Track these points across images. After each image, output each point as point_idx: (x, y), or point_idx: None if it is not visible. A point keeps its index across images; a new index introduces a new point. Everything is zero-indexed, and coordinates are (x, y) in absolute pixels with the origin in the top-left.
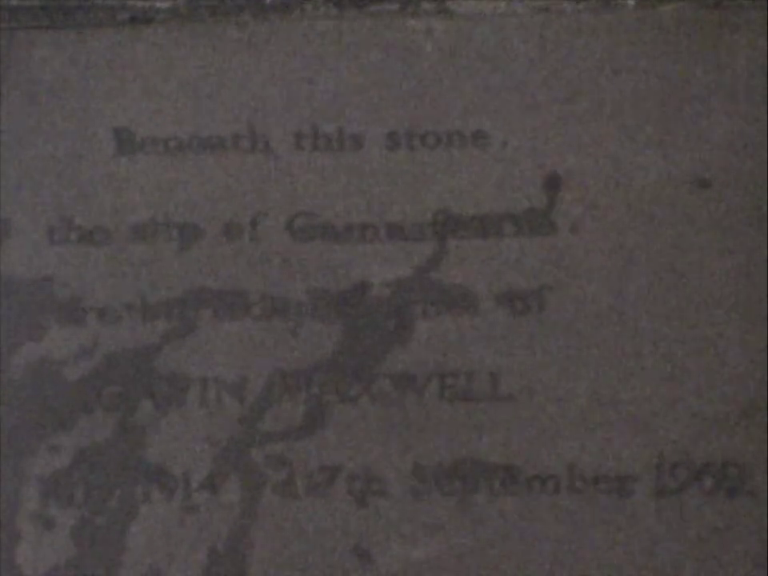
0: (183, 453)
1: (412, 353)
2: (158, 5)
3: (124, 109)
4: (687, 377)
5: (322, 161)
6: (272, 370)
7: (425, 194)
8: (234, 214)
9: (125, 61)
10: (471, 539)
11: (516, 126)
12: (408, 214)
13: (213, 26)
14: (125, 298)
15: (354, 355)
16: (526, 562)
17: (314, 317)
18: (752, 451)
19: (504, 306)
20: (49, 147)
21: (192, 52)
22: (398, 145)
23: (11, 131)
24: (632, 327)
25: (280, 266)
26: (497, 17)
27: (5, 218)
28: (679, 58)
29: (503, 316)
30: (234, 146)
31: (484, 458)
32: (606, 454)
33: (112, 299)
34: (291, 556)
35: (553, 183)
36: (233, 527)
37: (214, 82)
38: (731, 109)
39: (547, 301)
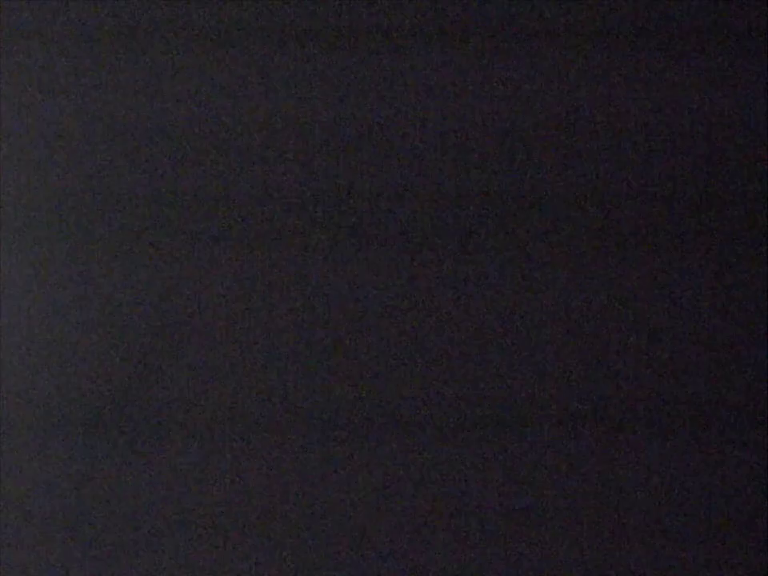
0: (167, 488)
1: (395, 374)
2: (142, 25)
3: (112, 122)
4: (671, 387)
5: (307, 176)
6: (256, 391)
7: (406, 220)
8: (220, 232)
9: None
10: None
11: (496, 152)
12: (389, 237)
13: (202, 42)
14: (106, 333)
15: (341, 377)
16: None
17: (298, 348)
18: (751, 397)
19: (484, 329)
20: (37, 161)
21: (182, 68)
22: (383, 160)
23: None
24: (612, 342)
25: (262, 299)
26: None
27: None
28: (662, 76)
29: (483, 338)
30: (220, 161)
31: (473, 481)
32: (593, 471)
33: (92, 334)
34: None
35: (529, 199)
36: (217, 549)
37: (203, 96)
38: (724, 123)
39: (528, 324)
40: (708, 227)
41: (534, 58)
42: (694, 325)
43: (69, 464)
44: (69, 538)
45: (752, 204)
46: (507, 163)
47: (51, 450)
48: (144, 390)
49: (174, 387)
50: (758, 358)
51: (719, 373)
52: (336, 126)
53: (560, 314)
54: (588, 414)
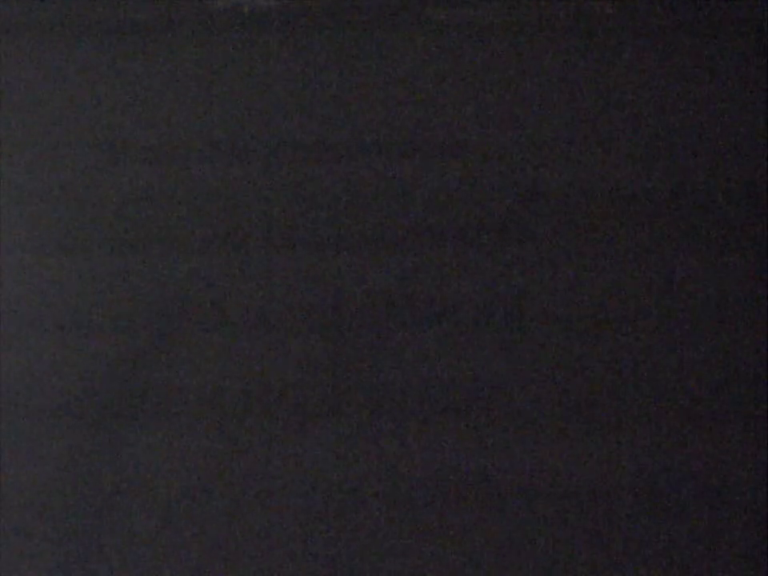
0: (164, 464)
1: (391, 365)
2: (138, 16)
3: (109, 118)
4: (669, 382)
5: (303, 171)
6: (252, 381)
7: (406, 204)
8: (216, 224)
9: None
10: (453, 549)
11: (497, 138)
12: (390, 224)
13: (195, 38)
14: (106, 310)
15: (334, 368)
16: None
17: (295, 328)
18: (738, 459)
19: (483, 316)
20: (35, 157)
21: (175, 63)
22: (380, 155)
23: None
24: (610, 334)
25: (261, 278)
26: (479, 29)
27: None
28: (661, 72)
29: (482, 325)
30: (215, 156)
31: (466, 469)
32: (586, 463)
33: (94, 312)
34: (275, 562)
35: (531, 194)
36: (214, 536)
37: (197, 92)
38: (719, 120)
39: (526, 310)
40: (708, 225)
41: (537, 53)
42: (693, 324)
43: (67, 456)
44: (68, 530)
45: (752, 202)
46: (507, 165)
47: (51, 443)
48: (142, 382)
49: (173, 379)
50: (758, 358)
51: (720, 371)
52: (341, 122)
53: (560, 309)
54: (583, 410)
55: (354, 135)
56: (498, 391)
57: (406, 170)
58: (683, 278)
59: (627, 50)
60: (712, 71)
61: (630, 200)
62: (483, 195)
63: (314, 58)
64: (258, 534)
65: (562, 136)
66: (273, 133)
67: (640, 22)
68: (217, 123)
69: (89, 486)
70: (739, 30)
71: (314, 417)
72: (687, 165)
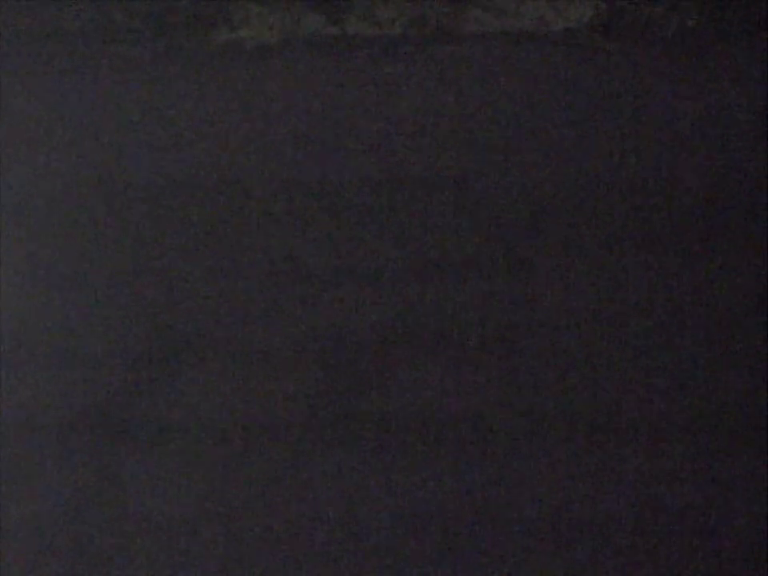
0: (165, 499)
1: (393, 397)
2: (142, 50)
3: (110, 149)
4: (669, 411)
5: (302, 206)
6: (253, 415)
7: (406, 238)
8: (216, 257)
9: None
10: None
11: (497, 170)
12: (389, 258)
13: (198, 71)
14: (106, 344)
15: (335, 400)
16: None
17: (296, 360)
18: (738, 487)
19: (484, 347)
20: (34, 189)
21: (177, 95)
22: (379, 190)
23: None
24: (612, 363)
25: (262, 310)
26: (479, 60)
27: None
28: (662, 100)
29: (483, 357)
30: (215, 189)
31: (467, 501)
32: (584, 497)
33: (92, 346)
34: None
35: (533, 224)
36: (214, 567)
37: (199, 124)
38: (720, 146)
39: (528, 340)
40: (708, 233)
41: (534, 59)
42: (693, 354)
43: (69, 470)
44: (69, 541)
45: (752, 205)
46: (505, 198)
47: (50, 472)
48: (143, 412)
49: (174, 409)
50: (758, 364)
51: (719, 379)
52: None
53: (560, 321)
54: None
55: (354, 168)
56: (499, 421)
57: (405, 202)
58: (685, 306)
59: (625, 77)
60: (710, 88)
61: (629, 227)
62: (482, 227)
63: (314, 92)
64: (258, 566)
65: (560, 168)
66: (274, 166)
67: (638, 51)
68: (218, 155)
69: (88, 515)
70: (739, 40)
71: (315, 448)
72: (688, 189)
